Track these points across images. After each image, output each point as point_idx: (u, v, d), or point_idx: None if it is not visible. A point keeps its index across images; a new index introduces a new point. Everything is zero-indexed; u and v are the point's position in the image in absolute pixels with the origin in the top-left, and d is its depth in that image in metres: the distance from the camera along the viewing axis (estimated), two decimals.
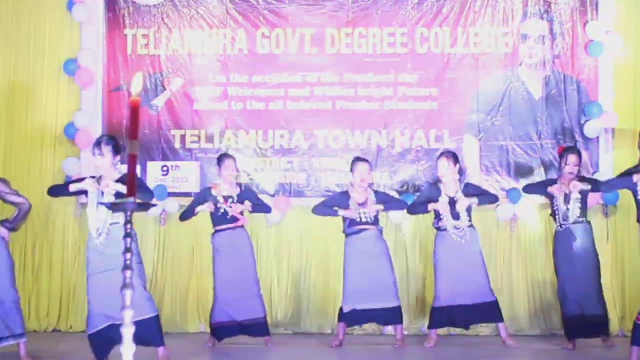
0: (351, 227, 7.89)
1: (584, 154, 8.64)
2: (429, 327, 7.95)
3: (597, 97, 8.87)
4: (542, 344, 8.09)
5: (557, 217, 7.76)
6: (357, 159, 8.03)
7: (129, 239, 3.52)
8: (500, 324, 7.91)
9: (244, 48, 9.16)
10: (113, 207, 3.66)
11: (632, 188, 6.78)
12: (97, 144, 6.78)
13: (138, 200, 3.52)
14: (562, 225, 7.70)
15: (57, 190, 7.06)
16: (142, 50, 9.18)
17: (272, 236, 9.05)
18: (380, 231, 7.99)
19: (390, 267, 7.91)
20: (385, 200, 8.03)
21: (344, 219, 7.94)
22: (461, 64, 9.01)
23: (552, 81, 8.95)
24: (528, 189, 8.14)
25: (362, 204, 7.88)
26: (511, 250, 8.92)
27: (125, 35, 9.20)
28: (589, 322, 7.61)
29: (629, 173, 7.06)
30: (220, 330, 7.80)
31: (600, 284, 7.72)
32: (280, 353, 7.74)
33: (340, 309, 7.89)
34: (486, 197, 7.97)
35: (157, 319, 6.70)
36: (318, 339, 8.50)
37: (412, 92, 9.03)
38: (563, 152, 7.92)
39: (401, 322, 7.91)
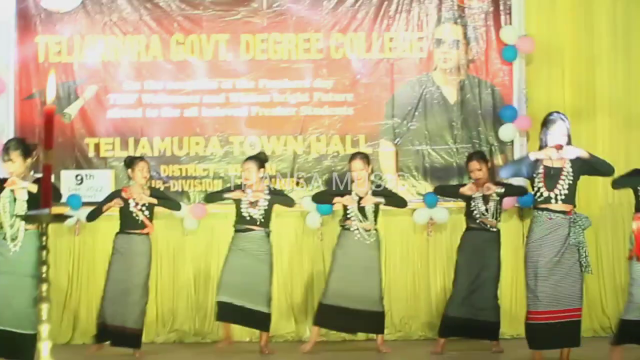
0: (239, 224, 7.86)
1: (499, 158, 8.72)
2: (314, 324, 7.91)
3: (512, 101, 8.92)
4: (456, 347, 8.08)
5: (472, 217, 7.80)
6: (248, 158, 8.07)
7: (44, 252, 3.44)
8: (380, 335, 7.90)
9: (158, 55, 9.07)
10: (27, 218, 3.58)
11: (532, 172, 6.73)
12: (5, 149, 6.68)
13: (54, 211, 3.45)
14: (473, 229, 7.78)
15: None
16: (55, 57, 9.04)
17: (189, 244, 8.95)
18: (267, 234, 7.91)
19: (269, 273, 7.84)
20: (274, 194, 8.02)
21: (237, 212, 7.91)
22: (376, 69, 9.02)
23: (467, 86, 8.99)
24: (439, 190, 8.20)
25: (253, 204, 7.83)
26: (427, 254, 8.93)
27: (37, 42, 9.05)
28: (478, 327, 7.68)
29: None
30: (102, 332, 7.75)
31: (496, 291, 7.79)
32: None
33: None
34: (394, 199, 7.97)
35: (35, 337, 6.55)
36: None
37: (328, 97, 9.01)
38: (466, 160, 8.05)
39: (268, 330, 7.88)
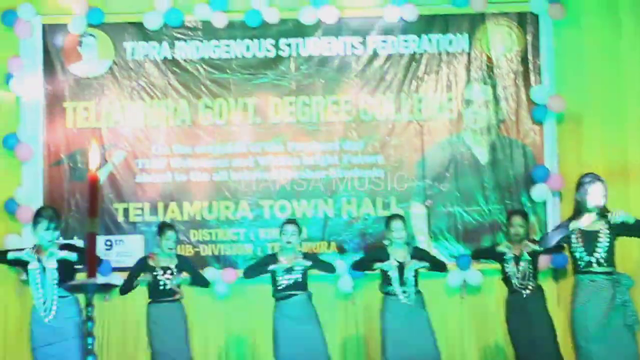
0: (278, 292, 7.75)
1: (533, 218, 8.61)
2: None
3: (543, 161, 8.87)
4: None
5: (509, 281, 7.69)
6: (287, 221, 7.95)
7: (90, 323, 3.39)
8: None
9: (186, 119, 9.04)
10: (73, 289, 3.53)
11: (568, 238, 6.62)
12: (49, 218, 6.63)
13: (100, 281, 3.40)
14: (515, 292, 7.61)
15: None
16: (83, 123, 9.03)
17: (220, 309, 8.86)
18: (309, 296, 7.80)
19: (322, 333, 7.73)
20: (313, 261, 7.88)
21: (272, 281, 7.79)
22: (406, 131, 8.97)
23: (498, 146, 8.94)
24: (476, 254, 8.12)
25: (289, 269, 7.74)
26: (462, 317, 8.83)
27: (65, 108, 9.04)
28: None
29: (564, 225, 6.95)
30: None
31: (558, 348, 7.62)
32: None
33: None
34: (437, 266, 7.90)
35: None
36: None
37: (358, 159, 8.96)
38: (508, 215, 7.96)
39: None
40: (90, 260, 3.39)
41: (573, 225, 6.63)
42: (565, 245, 6.94)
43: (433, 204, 8.90)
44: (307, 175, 8.97)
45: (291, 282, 7.72)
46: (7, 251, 7.15)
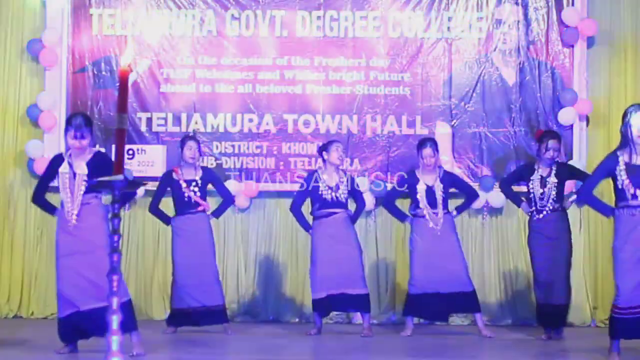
0: (320, 210, 7.72)
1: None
2: (405, 314, 7.80)
3: (572, 85, 8.75)
4: (515, 334, 7.97)
5: (532, 202, 7.61)
6: (333, 141, 7.88)
7: (117, 220, 3.35)
8: (477, 314, 7.77)
9: (213, 30, 8.95)
10: (101, 185, 3.47)
11: (612, 174, 6.37)
12: (78, 126, 6.42)
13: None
14: (537, 212, 7.54)
15: (38, 195, 6.60)
16: (109, 30, 8.95)
17: (240, 222, 8.88)
18: (350, 216, 7.80)
19: (360, 253, 7.75)
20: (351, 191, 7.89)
21: (313, 201, 7.77)
22: (434, 49, 8.88)
23: (527, 68, 8.82)
24: (505, 184, 7.95)
25: (334, 187, 7.71)
26: (483, 238, 8.82)
27: (91, 15, 8.96)
28: (553, 312, 7.52)
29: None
30: (180, 317, 7.68)
31: (567, 274, 7.59)
32: (246, 341, 7.58)
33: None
34: (467, 193, 7.92)
35: (130, 303, 6.40)
36: (286, 327, 8.33)
37: (384, 77, 8.88)
38: (542, 137, 7.68)
39: (369, 311, 7.76)
40: (119, 157, 3.30)
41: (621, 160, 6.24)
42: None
43: (458, 124, 8.81)
44: (333, 90, 8.88)
45: (333, 199, 7.70)
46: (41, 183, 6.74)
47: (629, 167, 6.16)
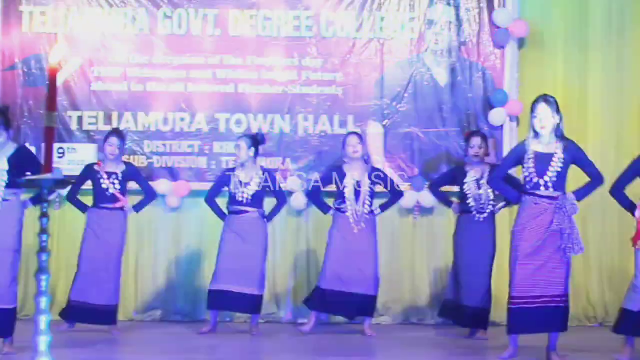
0: (231, 206, 7.80)
1: (490, 142, 8.54)
2: (310, 308, 7.85)
3: (503, 85, 8.80)
4: (443, 333, 8.05)
5: (467, 204, 7.69)
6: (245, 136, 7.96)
7: (45, 220, 3.34)
8: (368, 318, 7.84)
9: (145, 28, 8.90)
10: (28, 184, 3.45)
11: (521, 162, 6.48)
12: None
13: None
14: (479, 213, 7.63)
15: None
16: (39, 28, 8.86)
17: (171, 221, 8.84)
18: (262, 215, 7.83)
19: (264, 255, 7.79)
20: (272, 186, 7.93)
21: (229, 197, 7.84)
22: (367, 49, 8.88)
23: (458, 68, 8.86)
24: (435, 186, 8.09)
25: (244, 184, 7.77)
26: (414, 238, 8.86)
27: (22, 12, 8.86)
28: (469, 314, 7.61)
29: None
30: (74, 310, 7.63)
31: (489, 277, 7.64)
32: (172, 342, 7.56)
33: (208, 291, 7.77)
34: (393, 192, 7.96)
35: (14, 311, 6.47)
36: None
37: (317, 76, 8.87)
38: (468, 137, 7.91)
39: (258, 312, 7.82)
40: (48, 156, 3.29)
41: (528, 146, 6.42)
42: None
43: (390, 124, 8.83)
44: (265, 90, 8.86)
45: (246, 198, 7.73)
46: None
47: (537, 156, 6.30)
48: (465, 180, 7.74)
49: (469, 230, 7.71)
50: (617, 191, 6.61)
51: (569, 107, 8.15)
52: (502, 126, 8.77)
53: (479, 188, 7.65)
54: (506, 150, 8.62)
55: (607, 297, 8.72)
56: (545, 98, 6.40)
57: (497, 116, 8.71)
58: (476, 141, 7.73)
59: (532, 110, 6.38)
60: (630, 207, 6.52)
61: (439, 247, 8.77)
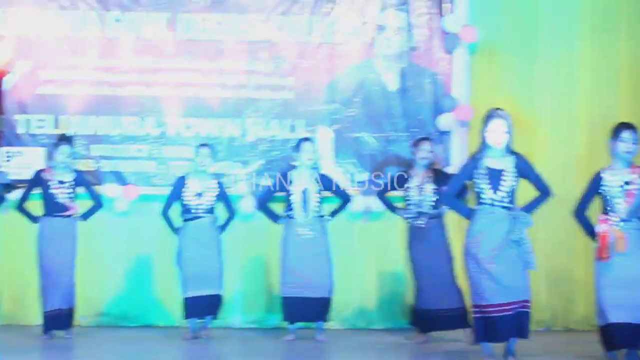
0: (185, 214, 7.87)
1: (438, 147, 8.52)
2: (284, 319, 7.87)
3: (453, 91, 8.80)
4: (393, 338, 8.04)
5: (410, 209, 7.70)
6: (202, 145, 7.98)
7: None
8: (322, 323, 7.86)
9: (94, 31, 8.82)
10: None
11: (472, 177, 6.41)
12: None
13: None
14: (416, 219, 7.61)
15: None
16: None
17: (119, 225, 8.78)
18: (216, 219, 7.92)
19: (221, 256, 7.87)
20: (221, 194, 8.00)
21: (181, 206, 7.88)
22: (317, 54, 8.85)
23: (409, 73, 8.84)
24: (381, 192, 8.04)
25: (199, 194, 7.82)
26: (363, 243, 8.82)
27: None
28: (445, 316, 7.56)
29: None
30: (49, 319, 7.65)
31: (454, 277, 7.63)
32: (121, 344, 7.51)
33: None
34: (341, 197, 8.01)
35: None
36: (158, 331, 8.32)
37: (267, 80, 8.83)
38: (416, 142, 7.90)
39: (216, 314, 7.91)
40: None
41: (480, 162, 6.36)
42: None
43: (340, 129, 8.80)
44: (216, 94, 8.81)
45: (199, 205, 7.82)
46: None
47: (489, 171, 6.27)
48: (407, 185, 7.74)
49: (417, 237, 7.70)
50: (580, 214, 6.57)
51: (517, 118, 7.85)
52: (450, 131, 8.74)
53: (421, 193, 7.65)
54: (455, 156, 8.67)
55: (553, 302, 8.72)
56: (499, 113, 6.36)
57: (445, 121, 8.70)
58: (425, 146, 7.73)
59: (486, 124, 6.34)
60: (591, 232, 6.47)
61: (389, 252, 8.70)
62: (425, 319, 7.65)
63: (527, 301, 6.32)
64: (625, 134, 6.33)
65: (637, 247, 6.30)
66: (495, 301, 6.21)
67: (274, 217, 7.95)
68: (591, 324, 7.37)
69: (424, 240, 7.65)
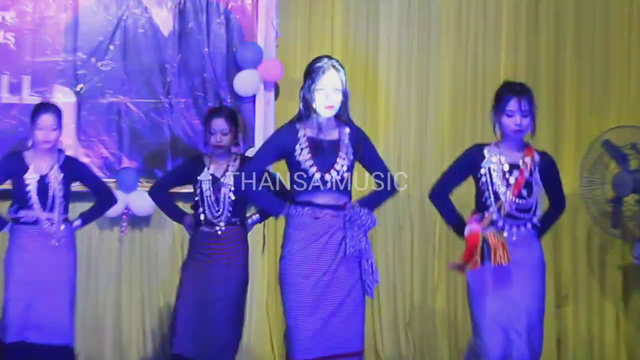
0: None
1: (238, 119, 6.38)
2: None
3: (255, 38, 6.77)
4: None
5: (201, 212, 5.80)
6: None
7: None
8: None
9: None
10: None
11: (289, 152, 4.69)
12: None
13: None
14: (210, 226, 5.78)
15: None
16: None
17: None
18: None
19: None
20: None
21: None
22: None
23: (190, 10, 6.70)
24: (155, 191, 6.10)
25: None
26: (120, 260, 6.71)
27: None
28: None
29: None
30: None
31: (240, 308, 5.88)
32: None
33: None
34: (104, 204, 6.08)
35: None
36: None
37: None
38: (207, 116, 5.97)
39: None
40: None
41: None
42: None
43: (86, 91, 6.53)
44: None
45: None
46: None
47: (312, 142, 4.62)
48: (199, 178, 5.78)
49: (205, 251, 5.78)
50: (439, 196, 5.10)
51: (355, 74, 6.63)
52: (253, 97, 6.73)
53: (218, 190, 5.75)
54: (259, 133, 6.76)
55: (403, 350, 6.92)
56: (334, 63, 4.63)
57: (245, 81, 6.65)
58: (219, 123, 5.79)
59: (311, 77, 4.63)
60: (455, 221, 4.99)
61: (157, 274, 6.74)
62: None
63: (358, 353, 4.73)
64: (512, 105, 4.84)
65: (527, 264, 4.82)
66: (314, 355, 4.59)
67: None
68: None
69: (217, 255, 5.82)
